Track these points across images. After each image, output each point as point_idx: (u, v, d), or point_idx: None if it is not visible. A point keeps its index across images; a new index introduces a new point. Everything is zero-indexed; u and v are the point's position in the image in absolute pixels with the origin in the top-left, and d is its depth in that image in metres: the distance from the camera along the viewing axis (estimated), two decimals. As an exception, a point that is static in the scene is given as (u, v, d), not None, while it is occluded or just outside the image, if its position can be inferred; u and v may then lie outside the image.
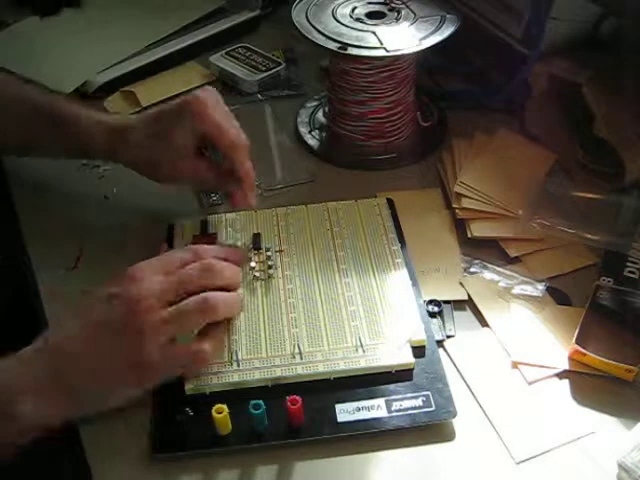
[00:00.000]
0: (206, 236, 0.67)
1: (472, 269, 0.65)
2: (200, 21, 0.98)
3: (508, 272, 0.64)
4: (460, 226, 0.69)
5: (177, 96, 0.87)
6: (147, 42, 0.94)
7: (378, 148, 0.78)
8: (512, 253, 0.66)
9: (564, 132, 0.76)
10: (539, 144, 0.76)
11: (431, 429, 0.53)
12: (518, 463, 0.51)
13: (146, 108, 0.86)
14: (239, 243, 0.66)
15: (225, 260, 0.58)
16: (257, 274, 0.63)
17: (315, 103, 0.86)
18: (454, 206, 0.70)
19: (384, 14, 0.76)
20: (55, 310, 0.63)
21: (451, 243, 0.68)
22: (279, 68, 0.90)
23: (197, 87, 0.90)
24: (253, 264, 0.64)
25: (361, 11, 0.77)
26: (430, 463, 0.52)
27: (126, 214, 0.73)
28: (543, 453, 0.52)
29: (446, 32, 0.73)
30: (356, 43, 0.71)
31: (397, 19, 0.75)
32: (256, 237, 0.67)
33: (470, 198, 0.69)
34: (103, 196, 0.75)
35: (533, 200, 0.68)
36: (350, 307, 0.60)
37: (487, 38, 0.82)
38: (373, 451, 0.52)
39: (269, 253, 0.65)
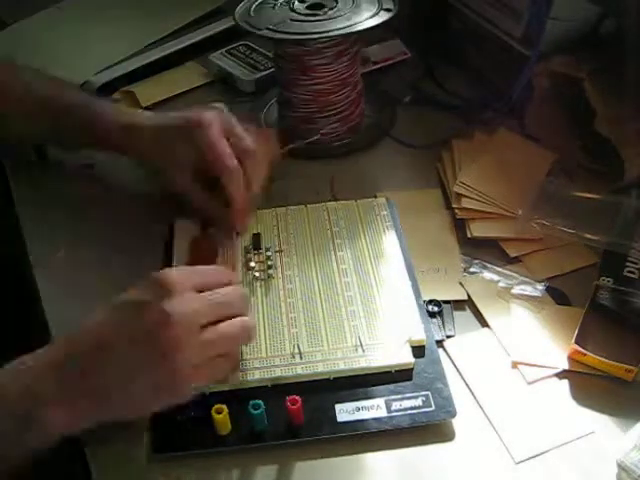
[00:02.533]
0: (206, 236, 0.67)
1: (472, 269, 0.65)
2: (200, 21, 0.98)
3: (508, 272, 0.64)
4: (460, 226, 0.69)
5: (177, 96, 0.88)
6: (147, 42, 0.94)
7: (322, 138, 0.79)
8: (512, 253, 0.66)
9: (564, 132, 0.76)
10: (539, 144, 0.76)
11: (431, 429, 0.53)
12: (517, 463, 0.51)
13: (146, 108, 0.86)
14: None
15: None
16: (257, 274, 0.63)
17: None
18: (454, 206, 0.70)
19: (323, 5, 0.75)
20: (54, 310, 0.63)
21: (451, 243, 0.68)
22: (277, 67, 0.90)
23: (198, 87, 0.91)
24: (253, 264, 0.64)
25: (302, 4, 0.76)
26: (430, 463, 0.52)
27: (126, 214, 0.73)
28: (542, 453, 0.52)
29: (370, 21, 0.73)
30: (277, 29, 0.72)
31: (333, 7, 0.75)
32: (256, 237, 0.67)
33: (470, 198, 0.69)
34: (103, 196, 0.75)
35: (533, 200, 0.68)
36: (350, 307, 0.60)
37: (487, 38, 0.82)
38: (373, 451, 0.52)
39: (269, 253, 0.65)
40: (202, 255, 0.64)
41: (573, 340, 0.56)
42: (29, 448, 0.48)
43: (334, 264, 0.64)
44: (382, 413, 0.53)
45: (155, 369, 0.49)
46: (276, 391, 0.54)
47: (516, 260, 0.66)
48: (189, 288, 0.51)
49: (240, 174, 0.64)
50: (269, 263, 0.64)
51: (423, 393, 0.54)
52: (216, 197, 0.66)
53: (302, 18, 0.74)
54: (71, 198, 0.75)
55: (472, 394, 0.56)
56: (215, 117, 0.65)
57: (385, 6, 0.75)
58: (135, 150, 0.69)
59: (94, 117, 0.70)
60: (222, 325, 0.51)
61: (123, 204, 0.74)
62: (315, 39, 0.72)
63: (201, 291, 0.52)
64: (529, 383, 0.56)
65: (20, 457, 0.48)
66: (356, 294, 0.61)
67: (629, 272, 0.61)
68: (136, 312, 0.49)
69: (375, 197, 0.72)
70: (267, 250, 0.65)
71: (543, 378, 0.56)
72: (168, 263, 0.65)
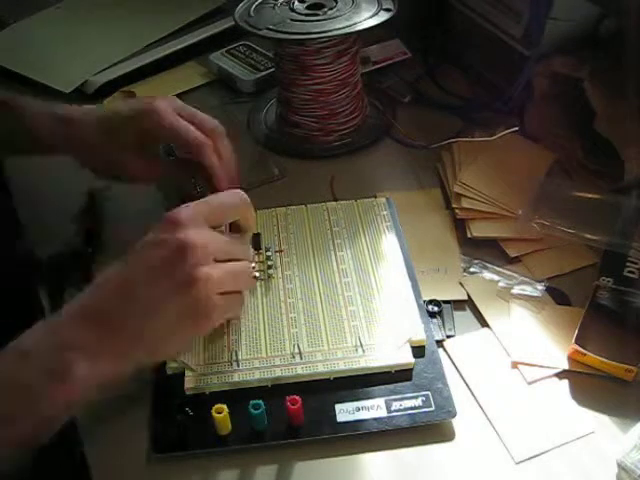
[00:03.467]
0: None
1: (472, 269, 0.65)
2: (200, 21, 0.98)
3: (508, 272, 0.64)
4: (460, 226, 0.69)
5: (177, 96, 0.88)
6: (147, 42, 0.94)
7: (322, 138, 0.80)
8: (512, 253, 0.66)
9: (564, 132, 0.76)
10: (539, 144, 0.76)
11: (431, 429, 0.53)
12: (518, 463, 0.51)
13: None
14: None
15: None
16: (257, 274, 0.63)
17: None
18: (454, 206, 0.70)
19: (322, 5, 0.76)
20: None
21: (451, 243, 0.68)
22: (277, 68, 0.90)
23: (198, 87, 0.91)
24: (253, 264, 0.64)
25: (302, 4, 0.77)
26: (430, 463, 0.52)
27: (126, 214, 0.73)
28: (543, 453, 0.52)
29: (369, 22, 0.73)
30: (276, 28, 0.73)
31: (332, 7, 0.75)
32: (256, 237, 0.66)
33: (470, 198, 0.69)
34: (103, 196, 0.75)
35: (533, 200, 0.68)
36: (350, 307, 0.60)
37: (487, 38, 0.82)
38: (373, 451, 0.52)
39: (269, 253, 0.65)
40: None
41: (573, 340, 0.56)
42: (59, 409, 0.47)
43: (334, 264, 0.64)
44: (382, 413, 0.53)
45: (178, 298, 0.50)
46: (276, 391, 0.54)
47: (516, 260, 0.66)
48: (201, 221, 0.53)
49: (211, 145, 0.63)
50: (269, 263, 0.64)
51: (423, 393, 0.54)
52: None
53: (302, 18, 0.74)
54: (71, 197, 0.75)
55: (472, 394, 0.56)
56: (167, 101, 0.64)
57: (385, 6, 0.75)
58: (78, 145, 0.65)
59: (22, 111, 0.66)
60: (233, 263, 0.54)
61: (122, 204, 0.74)
62: (315, 39, 0.72)
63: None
64: (529, 383, 0.56)
65: (37, 429, 0.47)
66: (356, 294, 0.61)
67: (629, 272, 0.61)
68: (154, 249, 0.51)
69: (375, 197, 0.72)
70: (267, 250, 0.65)
71: (543, 378, 0.56)
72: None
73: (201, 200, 0.55)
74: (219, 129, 0.64)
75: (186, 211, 0.53)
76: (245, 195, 0.57)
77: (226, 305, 0.53)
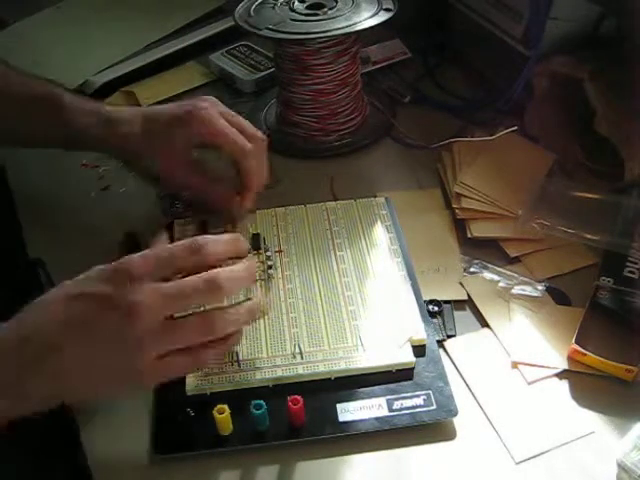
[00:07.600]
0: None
1: (472, 269, 0.65)
2: (200, 21, 0.98)
3: (508, 272, 0.64)
4: (460, 226, 0.69)
5: (177, 96, 0.88)
6: (147, 42, 0.94)
7: (322, 138, 0.80)
8: (512, 253, 0.66)
9: (564, 132, 0.76)
10: (539, 144, 0.76)
11: (432, 428, 0.53)
12: (518, 463, 0.51)
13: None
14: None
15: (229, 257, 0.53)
16: (257, 274, 0.63)
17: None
18: (454, 206, 0.70)
19: (322, 5, 0.76)
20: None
21: (451, 243, 0.68)
22: (278, 68, 0.90)
23: (198, 87, 0.91)
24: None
25: (302, 4, 0.77)
26: (431, 462, 0.52)
27: (126, 214, 0.73)
28: (543, 453, 0.52)
29: (368, 22, 0.73)
30: (274, 28, 0.73)
31: (332, 7, 0.75)
32: (255, 237, 0.67)
33: (470, 198, 0.69)
34: (103, 196, 0.75)
35: (533, 200, 0.68)
36: (350, 307, 0.60)
37: (487, 38, 0.82)
38: (374, 450, 0.52)
39: (268, 253, 0.65)
40: None
41: (573, 340, 0.56)
42: None
43: (334, 264, 0.64)
44: (383, 412, 0.53)
45: (115, 366, 0.47)
46: (277, 391, 0.54)
47: (516, 260, 0.66)
48: (151, 277, 0.48)
49: (252, 150, 0.62)
50: (269, 263, 0.64)
51: (424, 392, 0.54)
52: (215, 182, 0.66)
53: (302, 18, 0.74)
54: (71, 197, 0.75)
55: (472, 394, 0.56)
56: (210, 103, 0.64)
57: (385, 6, 0.75)
58: (121, 144, 0.65)
59: (66, 109, 0.65)
60: (187, 319, 0.49)
61: (123, 204, 0.74)
62: (315, 39, 0.72)
63: (167, 279, 0.49)
64: (529, 383, 0.56)
65: None
66: (356, 293, 0.61)
67: (629, 272, 0.61)
68: (94, 308, 0.47)
69: (375, 197, 0.72)
70: (267, 250, 0.65)
71: (543, 378, 0.56)
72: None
73: (156, 253, 0.50)
74: (260, 135, 0.64)
75: (137, 262, 0.48)
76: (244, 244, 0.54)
77: (165, 368, 0.48)
